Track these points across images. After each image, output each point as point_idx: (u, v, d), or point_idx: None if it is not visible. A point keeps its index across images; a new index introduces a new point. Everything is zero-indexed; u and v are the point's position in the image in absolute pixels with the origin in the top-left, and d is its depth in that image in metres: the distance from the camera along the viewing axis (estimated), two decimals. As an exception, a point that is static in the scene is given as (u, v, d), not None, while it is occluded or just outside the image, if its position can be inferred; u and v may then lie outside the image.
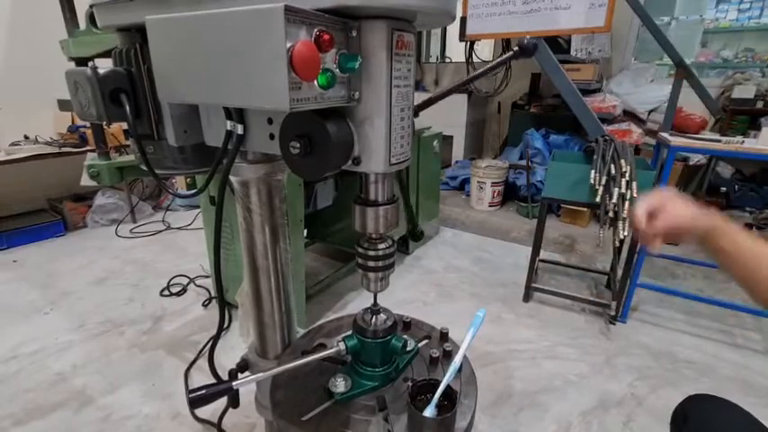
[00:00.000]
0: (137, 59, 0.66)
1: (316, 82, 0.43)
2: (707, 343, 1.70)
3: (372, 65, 0.48)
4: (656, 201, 0.67)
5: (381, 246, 0.64)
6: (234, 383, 0.59)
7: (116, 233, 2.86)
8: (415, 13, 0.48)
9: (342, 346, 0.68)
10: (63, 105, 2.96)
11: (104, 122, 0.67)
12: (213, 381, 0.76)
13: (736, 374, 1.53)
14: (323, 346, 0.77)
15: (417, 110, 0.64)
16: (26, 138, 2.78)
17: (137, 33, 0.66)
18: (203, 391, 0.57)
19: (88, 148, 2.77)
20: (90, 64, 0.64)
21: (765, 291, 0.60)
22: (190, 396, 0.56)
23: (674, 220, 0.64)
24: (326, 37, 0.43)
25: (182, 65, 0.49)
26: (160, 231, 2.91)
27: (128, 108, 0.64)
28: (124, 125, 0.67)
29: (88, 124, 2.91)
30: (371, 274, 0.65)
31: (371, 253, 0.63)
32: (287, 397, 0.67)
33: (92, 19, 1.12)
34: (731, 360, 1.60)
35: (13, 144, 2.65)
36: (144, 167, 0.73)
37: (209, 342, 1.66)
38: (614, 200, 1.54)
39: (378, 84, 0.49)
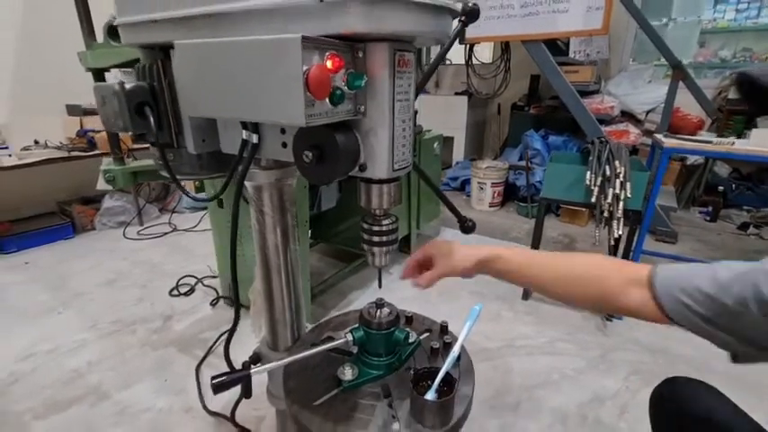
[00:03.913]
0: (158, 75, 0.72)
1: (327, 99, 0.49)
2: (701, 339, 1.75)
3: (377, 82, 0.54)
4: (425, 254, 0.78)
5: (385, 222, 0.68)
6: (251, 370, 0.65)
7: (124, 235, 2.92)
8: (415, 36, 0.53)
9: (349, 337, 0.73)
10: (71, 110, 3.02)
11: (129, 132, 0.73)
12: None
13: (728, 370, 1.56)
14: (331, 339, 0.83)
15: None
16: (36, 142, 2.85)
17: (159, 51, 0.72)
18: (224, 378, 0.63)
19: (97, 151, 2.83)
20: (117, 80, 0.70)
21: (554, 286, 0.72)
22: (213, 382, 0.62)
23: (443, 273, 0.75)
24: (337, 59, 0.48)
25: (207, 84, 0.55)
26: (167, 233, 2.97)
27: (152, 120, 0.70)
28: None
29: (96, 128, 2.98)
30: (376, 249, 0.69)
31: (376, 228, 0.67)
32: (299, 385, 0.73)
33: (109, 32, 1.19)
34: (724, 355, 1.64)
35: (24, 149, 2.72)
36: (165, 173, 0.79)
37: (218, 339, 1.72)
38: (609, 200, 1.59)
39: (381, 99, 0.54)
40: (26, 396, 1.45)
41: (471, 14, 0.62)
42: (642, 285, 0.63)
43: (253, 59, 0.48)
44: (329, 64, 0.48)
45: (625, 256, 1.79)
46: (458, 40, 0.64)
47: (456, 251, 0.76)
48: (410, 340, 0.80)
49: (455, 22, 0.65)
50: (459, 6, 0.57)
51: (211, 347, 1.67)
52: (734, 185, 3.47)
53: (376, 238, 0.68)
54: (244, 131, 0.66)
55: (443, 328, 0.86)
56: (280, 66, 0.46)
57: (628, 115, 3.49)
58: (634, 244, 1.76)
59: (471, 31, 3.45)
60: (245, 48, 0.48)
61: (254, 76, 0.49)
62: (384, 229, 0.68)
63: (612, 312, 0.69)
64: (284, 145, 0.65)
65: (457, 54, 3.89)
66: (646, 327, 1.85)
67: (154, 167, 1.45)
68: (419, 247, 2.80)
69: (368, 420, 0.66)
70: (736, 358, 0.62)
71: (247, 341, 1.06)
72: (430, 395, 0.63)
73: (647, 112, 3.52)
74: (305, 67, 0.45)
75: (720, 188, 3.46)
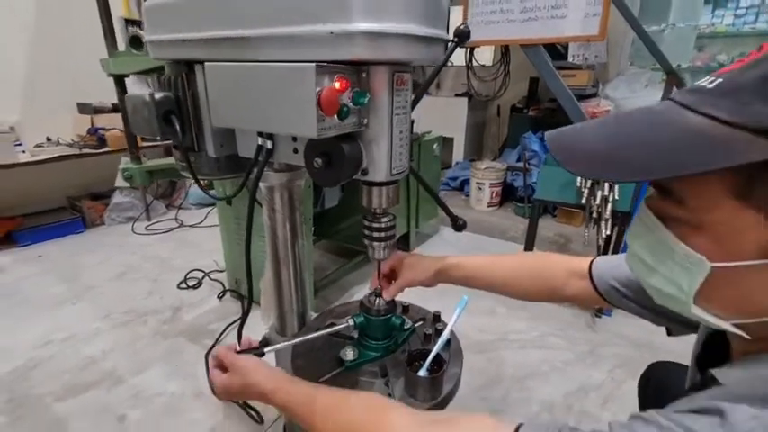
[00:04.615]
0: (183, 86, 0.80)
1: (335, 115, 0.57)
2: (687, 334, 1.83)
3: (378, 99, 0.62)
4: (390, 266, 0.87)
5: (384, 219, 0.76)
6: (265, 349, 0.73)
7: (132, 230, 3.01)
8: (411, 60, 0.62)
9: (351, 321, 0.82)
10: (82, 109, 3.12)
11: (158, 137, 0.82)
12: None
13: (709, 363, 1.67)
14: (334, 325, 0.92)
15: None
16: (48, 140, 2.94)
17: (184, 65, 0.80)
18: (243, 353, 0.72)
19: (107, 149, 2.93)
20: (149, 90, 0.78)
21: (507, 285, 0.82)
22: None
23: (405, 284, 0.84)
24: (344, 81, 0.57)
25: (233, 100, 0.63)
26: (174, 229, 3.07)
27: (178, 127, 0.79)
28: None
29: (107, 126, 3.07)
30: (376, 244, 0.77)
31: (376, 225, 0.76)
32: (306, 364, 0.82)
33: (132, 43, 1.28)
34: (706, 350, 1.73)
35: (37, 146, 2.81)
36: (186, 174, 0.87)
37: (225, 329, 1.81)
38: (598, 201, 1.68)
39: (382, 113, 0.63)
40: (46, 380, 1.54)
41: (463, 36, 0.70)
42: (582, 277, 0.75)
43: (273, 81, 0.57)
44: (337, 85, 0.56)
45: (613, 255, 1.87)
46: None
47: (417, 263, 0.85)
48: (405, 326, 0.88)
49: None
50: (450, 33, 0.65)
51: (219, 337, 1.76)
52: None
53: (376, 234, 0.77)
54: (260, 138, 0.74)
55: (436, 317, 0.95)
56: (296, 88, 0.54)
57: (624, 119, 3.56)
58: (623, 243, 1.84)
59: (472, 35, 3.53)
60: (267, 71, 0.57)
61: (274, 95, 0.57)
62: (383, 225, 0.76)
63: (560, 302, 0.84)
64: (295, 151, 0.73)
65: (458, 56, 3.97)
66: (633, 323, 1.93)
67: (168, 166, 1.55)
68: (418, 244, 2.87)
69: (367, 395, 0.75)
70: (670, 333, 0.75)
71: (254, 330, 1.15)
72: (422, 373, 0.72)
73: (644, 116, 3.59)
74: (317, 89, 0.53)
75: (714, 191, 3.53)
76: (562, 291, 0.78)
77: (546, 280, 0.80)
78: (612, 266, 0.73)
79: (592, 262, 0.76)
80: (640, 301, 0.69)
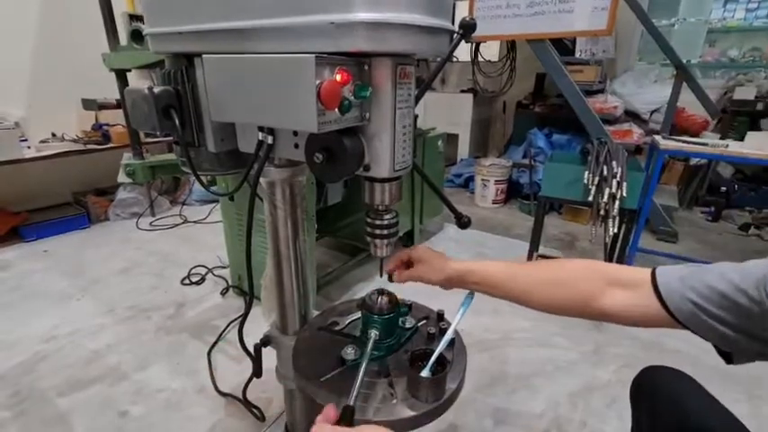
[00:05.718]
0: (182, 80, 0.79)
1: (336, 109, 0.56)
2: (696, 336, 1.80)
3: (380, 92, 0.60)
4: (409, 256, 0.85)
5: (387, 216, 0.75)
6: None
7: (137, 226, 3.02)
8: (415, 52, 0.60)
9: (374, 334, 0.77)
10: (87, 105, 3.12)
11: (157, 132, 0.80)
12: (234, 359, 0.91)
13: (718, 365, 1.63)
14: (336, 324, 0.91)
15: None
16: (53, 135, 2.95)
17: (184, 58, 0.79)
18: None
19: (111, 145, 2.93)
20: (148, 84, 0.77)
21: (535, 292, 0.72)
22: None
23: (416, 277, 0.84)
24: (345, 74, 0.55)
25: (232, 93, 0.62)
26: (177, 225, 3.07)
27: (177, 121, 0.77)
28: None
29: (111, 122, 3.07)
30: (378, 241, 0.76)
31: (378, 222, 0.75)
32: (307, 363, 0.81)
33: (133, 37, 1.27)
34: (712, 350, 1.70)
35: (42, 142, 2.82)
36: (187, 169, 0.86)
37: (228, 325, 1.81)
38: (605, 199, 1.65)
39: (385, 107, 0.61)
40: (50, 374, 1.55)
41: (468, 28, 0.68)
42: (623, 286, 0.63)
43: (273, 73, 0.55)
44: (338, 78, 0.55)
45: (621, 254, 1.85)
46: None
47: (433, 260, 0.81)
48: (408, 326, 0.87)
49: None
50: (455, 26, 0.63)
51: (222, 333, 1.76)
52: (736, 186, 3.48)
53: (378, 231, 0.75)
54: (260, 133, 0.73)
55: (440, 316, 0.93)
56: (296, 80, 0.53)
57: (632, 115, 3.51)
58: (630, 242, 1.81)
59: (478, 30, 3.49)
60: (266, 63, 0.55)
61: (274, 88, 0.56)
62: (386, 222, 0.75)
63: (593, 317, 0.70)
64: (296, 146, 0.72)
65: (463, 52, 3.92)
66: (640, 322, 1.91)
67: (171, 162, 1.54)
68: (422, 242, 2.86)
69: (369, 394, 0.73)
70: (730, 360, 0.62)
71: (256, 328, 1.14)
72: (424, 373, 0.71)
73: (652, 112, 3.54)
74: (317, 82, 0.52)
75: (723, 189, 3.48)
76: (597, 301, 0.65)
77: (574, 287, 0.68)
78: (687, 274, 0.59)
79: (654, 271, 0.62)
80: (727, 319, 0.54)
